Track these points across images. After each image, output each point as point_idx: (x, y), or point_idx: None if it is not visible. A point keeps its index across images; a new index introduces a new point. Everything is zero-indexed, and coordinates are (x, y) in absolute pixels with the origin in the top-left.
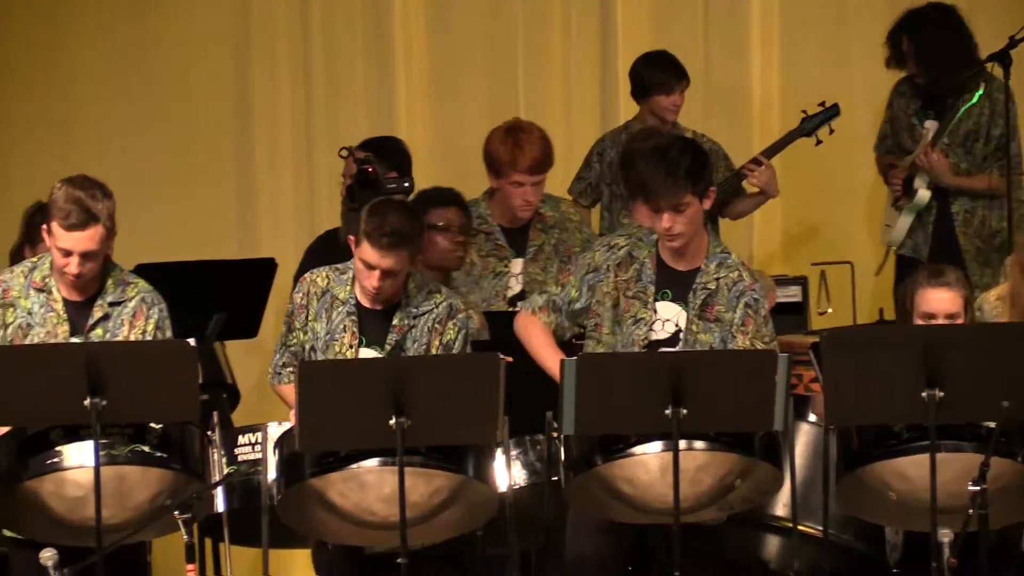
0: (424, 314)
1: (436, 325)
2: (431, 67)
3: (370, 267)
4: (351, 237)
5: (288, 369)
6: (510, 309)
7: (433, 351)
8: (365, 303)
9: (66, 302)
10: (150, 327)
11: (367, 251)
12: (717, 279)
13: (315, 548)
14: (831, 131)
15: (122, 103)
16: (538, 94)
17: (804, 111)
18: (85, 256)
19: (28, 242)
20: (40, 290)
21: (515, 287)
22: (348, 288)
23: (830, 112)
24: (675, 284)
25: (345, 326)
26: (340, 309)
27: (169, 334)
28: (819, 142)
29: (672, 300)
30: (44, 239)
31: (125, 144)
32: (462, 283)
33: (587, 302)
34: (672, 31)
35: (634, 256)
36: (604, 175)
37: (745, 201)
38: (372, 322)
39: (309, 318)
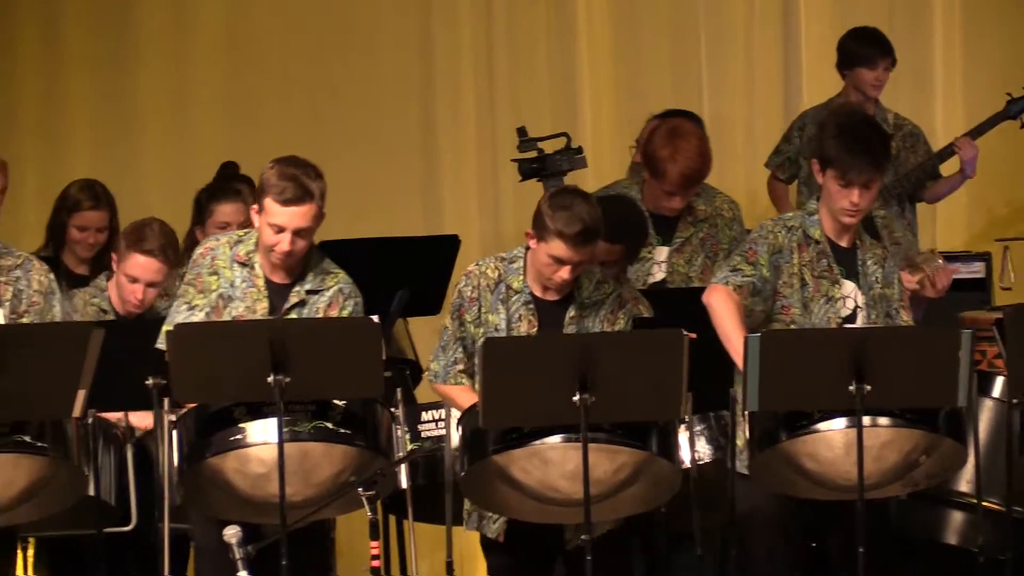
0: (596, 303)
1: (608, 315)
2: (613, 42)
3: (560, 262)
4: (529, 231)
5: (459, 367)
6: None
7: None
8: (538, 292)
9: (267, 281)
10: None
11: (558, 248)
12: (873, 255)
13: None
14: None
15: (306, 82)
16: (720, 70)
17: (1009, 94)
18: (297, 233)
19: (198, 223)
20: (243, 264)
21: (657, 274)
22: (521, 277)
23: None
24: (843, 262)
25: (521, 315)
26: (516, 298)
27: None
28: None
29: (846, 278)
30: (253, 220)
31: (309, 123)
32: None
33: (775, 283)
34: (855, 8)
35: (809, 236)
36: (803, 150)
37: (941, 184)
38: (548, 312)
39: (483, 311)
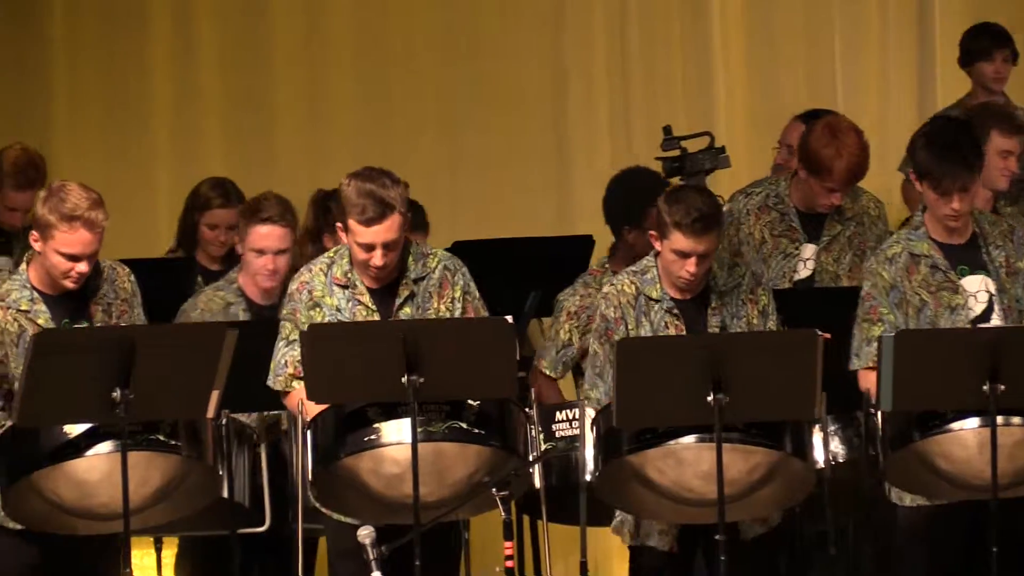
0: (733, 288)
1: (748, 295)
2: (747, 43)
3: (684, 255)
4: (652, 232)
5: None
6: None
7: (754, 320)
8: (676, 295)
9: (370, 291)
10: (457, 293)
11: (680, 241)
12: (998, 233)
13: None
14: None
15: (439, 83)
16: (854, 70)
17: None
18: (387, 246)
19: (327, 230)
20: (343, 286)
21: (803, 272)
22: (658, 286)
23: None
24: (965, 259)
25: (667, 323)
26: (656, 307)
27: (476, 295)
28: None
29: (971, 273)
30: (340, 237)
31: (441, 122)
32: (751, 258)
33: (904, 318)
34: (990, 7)
35: (916, 254)
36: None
37: None
38: (691, 312)
39: (629, 328)
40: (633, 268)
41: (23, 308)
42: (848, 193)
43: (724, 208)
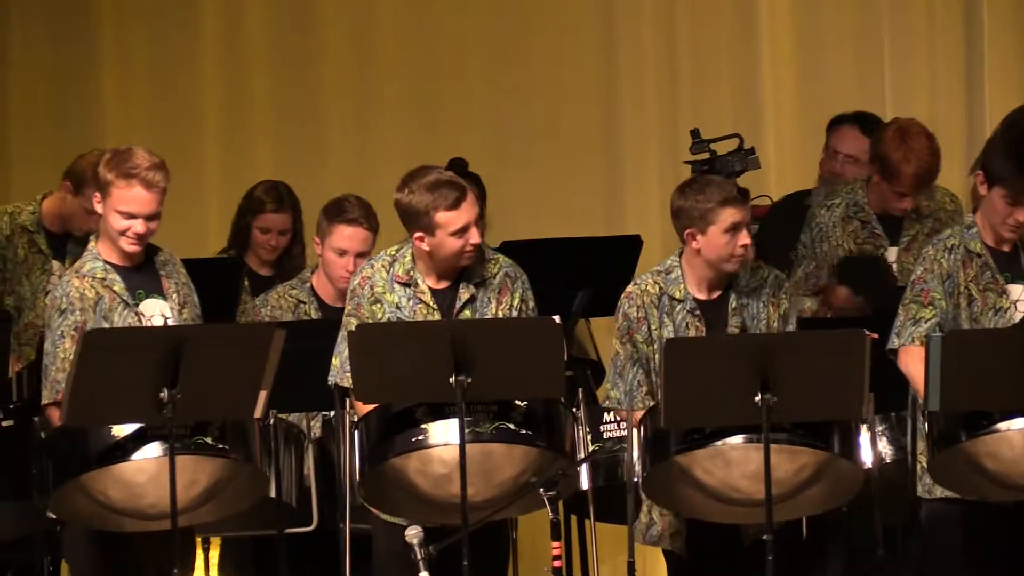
0: (755, 289)
1: (771, 298)
2: (796, 47)
3: (737, 228)
4: (689, 231)
5: (644, 390)
6: None
7: (773, 324)
8: (701, 295)
9: (432, 291)
10: (515, 301)
11: (731, 214)
12: None
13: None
14: None
15: (488, 83)
16: (903, 72)
17: None
18: (475, 225)
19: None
20: (405, 284)
21: None
22: (682, 286)
23: None
24: (1009, 267)
25: (688, 323)
26: (679, 308)
27: (532, 305)
28: None
29: (1013, 281)
30: (419, 248)
31: (490, 125)
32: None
33: (953, 310)
34: None
35: (971, 251)
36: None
37: None
38: (712, 313)
39: (652, 328)
40: (657, 268)
41: (98, 276)
42: (918, 198)
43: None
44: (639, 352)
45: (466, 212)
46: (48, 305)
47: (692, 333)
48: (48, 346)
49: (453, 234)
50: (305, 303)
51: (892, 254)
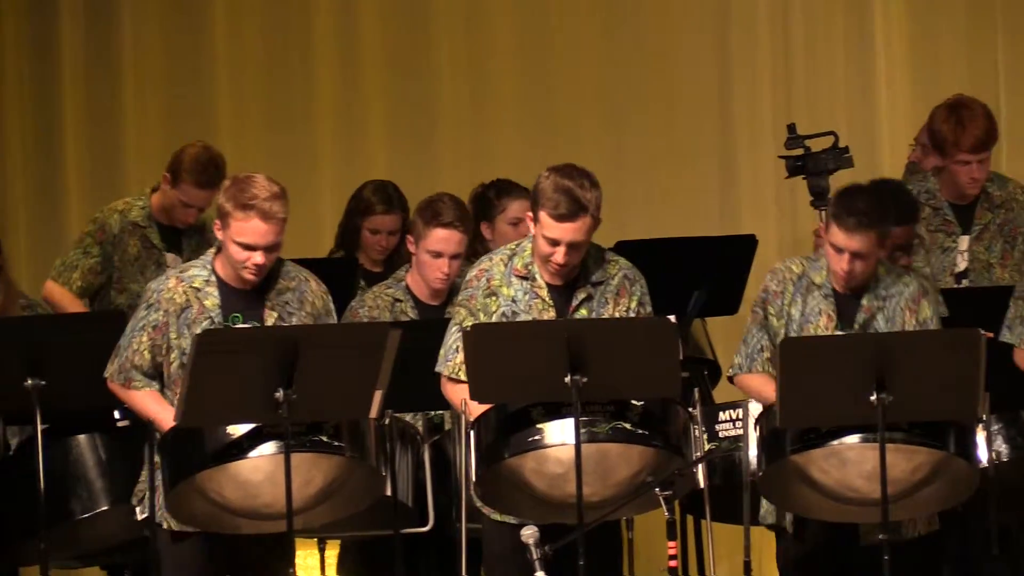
0: (894, 296)
1: (909, 304)
2: (910, 40)
3: (839, 250)
4: (819, 227)
5: (765, 355)
6: (956, 287)
7: (908, 327)
8: (838, 287)
9: (549, 287)
10: (633, 304)
11: (836, 234)
12: None
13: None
14: None
15: (602, 84)
16: (1018, 75)
17: None
18: (572, 246)
19: (484, 219)
20: (523, 278)
21: (961, 264)
22: (824, 272)
23: None
24: None
25: (821, 309)
26: (816, 293)
27: (649, 309)
28: None
29: None
30: (528, 227)
31: (605, 123)
32: (920, 258)
33: None
34: None
35: None
36: None
37: None
38: (846, 305)
39: (785, 303)
40: (812, 256)
41: (196, 285)
42: (985, 166)
43: None
44: (768, 324)
45: (563, 230)
46: (145, 290)
47: (823, 321)
48: (128, 328)
49: (546, 238)
50: (401, 301)
51: (964, 243)
